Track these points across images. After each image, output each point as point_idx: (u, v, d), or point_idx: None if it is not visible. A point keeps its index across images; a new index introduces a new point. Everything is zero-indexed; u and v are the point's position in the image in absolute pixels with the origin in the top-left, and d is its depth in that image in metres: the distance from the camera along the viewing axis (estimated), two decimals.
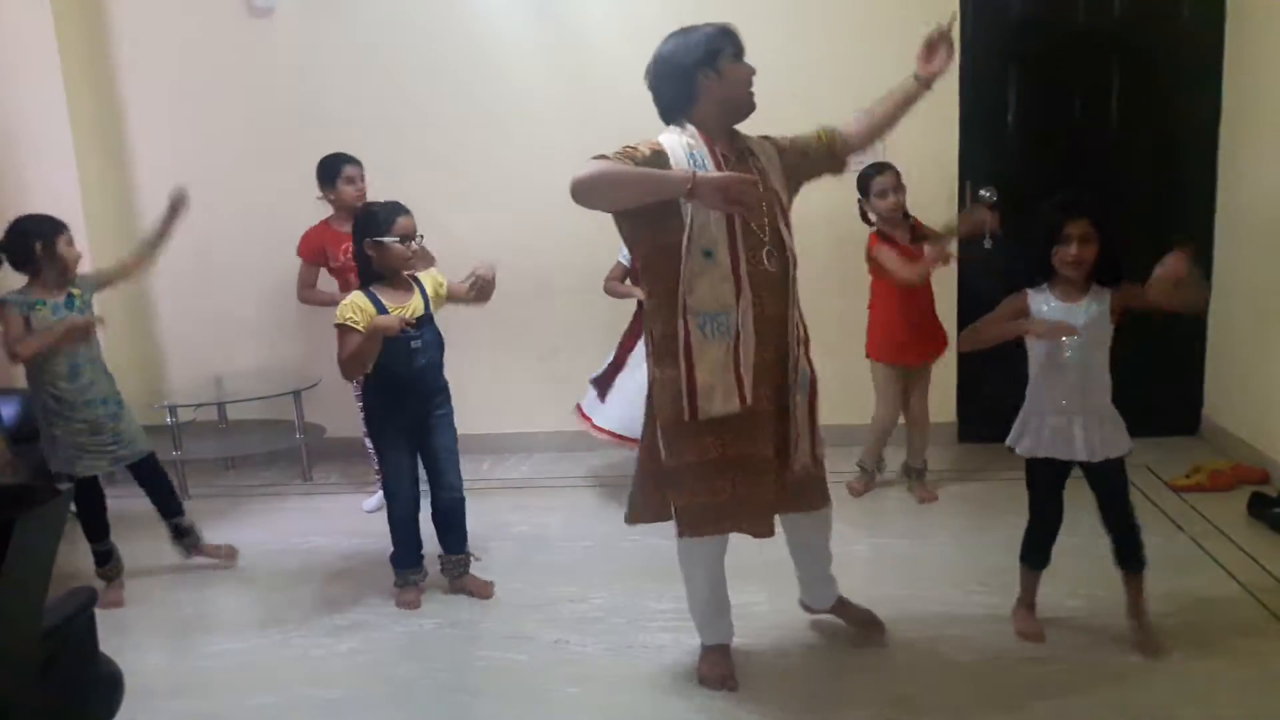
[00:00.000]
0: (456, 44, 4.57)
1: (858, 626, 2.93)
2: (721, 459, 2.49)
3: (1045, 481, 2.81)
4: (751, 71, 2.49)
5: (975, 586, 3.20)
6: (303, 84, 4.66)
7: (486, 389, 4.80)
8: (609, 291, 4.00)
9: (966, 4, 4.34)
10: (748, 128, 2.60)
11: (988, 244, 4.22)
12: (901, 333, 3.92)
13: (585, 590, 3.33)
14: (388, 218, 3.11)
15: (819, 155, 2.64)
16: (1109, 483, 2.77)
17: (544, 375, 4.78)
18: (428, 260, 3.39)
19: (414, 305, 3.14)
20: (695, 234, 2.38)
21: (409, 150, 4.62)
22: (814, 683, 2.74)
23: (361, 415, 3.35)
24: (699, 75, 2.44)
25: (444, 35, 4.56)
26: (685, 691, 2.70)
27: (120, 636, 3.09)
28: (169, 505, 3.58)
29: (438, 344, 3.22)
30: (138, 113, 4.79)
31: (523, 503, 4.26)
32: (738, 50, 2.48)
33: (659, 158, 2.41)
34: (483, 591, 3.34)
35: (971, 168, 4.44)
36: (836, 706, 2.61)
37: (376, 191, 3.93)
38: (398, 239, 3.09)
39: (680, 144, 2.44)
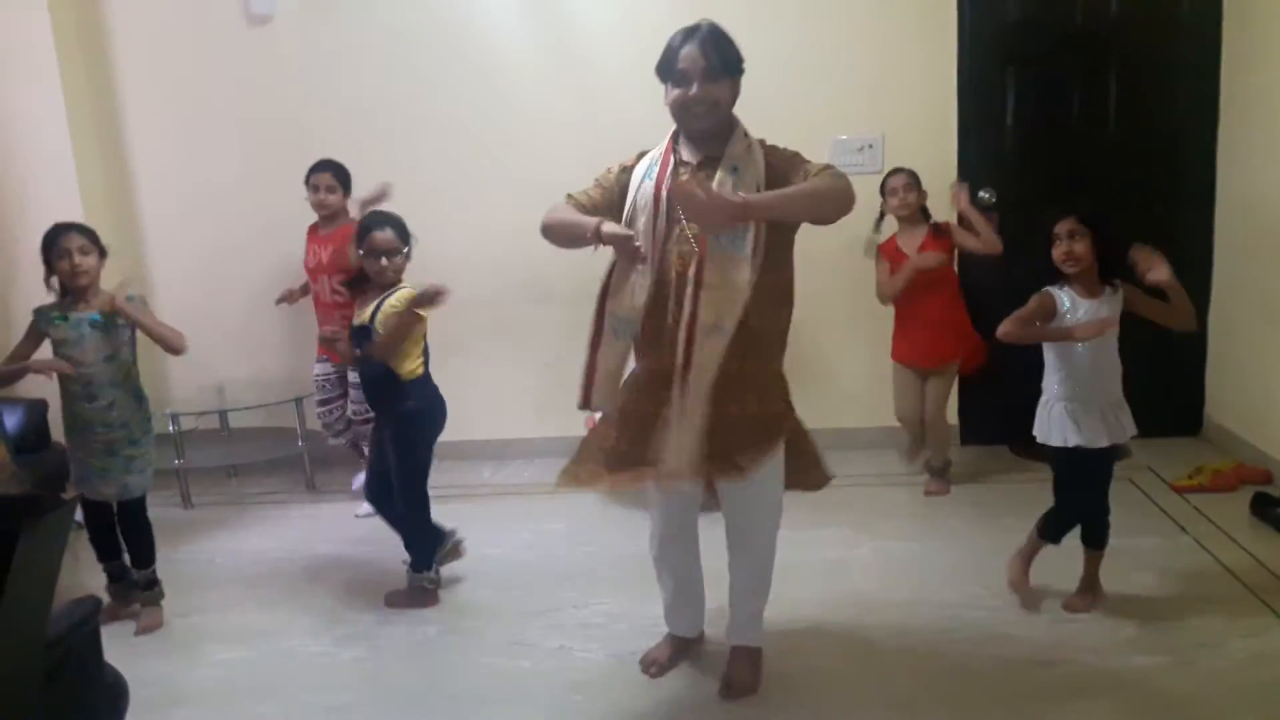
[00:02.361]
0: (455, 49, 4.57)
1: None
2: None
3: (1075, 465, 2.94)
4: (680, 95, 2.43)
5: (979, 589, 3.19)
6: (302, 90, 4.66)
7: (488, 395, 4.81)
8: None
9: (964, 6, 4.36)
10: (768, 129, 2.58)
11: None
12: (909, 333, 3.98)
13: (588, 596, 3.33)
14: (363, 231, 3.19)
15: None
16: (1108, 467, 2.94)
17: (546, 381, 4.78)
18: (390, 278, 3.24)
19: (363, 315, 3.19)
20: None
21: (409, 155, 4.63)
22: (818, 686, 2.73)
23: None
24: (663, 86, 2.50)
25: (443, 40, 4.57)
26: (689, 697, 2.70)
27: (124, 646, 3.09)
28: (140, 555, 3.37)
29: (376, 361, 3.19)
30: (137, 121, 4.80)
31: (525, 509, 4.26)
32: (668, 74, 2.44)
33: (624, 175, 2.55)
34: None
35: (970, 170, 4.44)
36: (841, 710, 2.61)
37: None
38: (372, 254, 3.15)
39: (653, 155, 2.53)
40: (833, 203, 2.36)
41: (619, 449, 2.53)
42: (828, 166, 2.43)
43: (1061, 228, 2.82)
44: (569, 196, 2.54)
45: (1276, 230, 3.94)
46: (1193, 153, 4.43)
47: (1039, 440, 2.97)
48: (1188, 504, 3.82)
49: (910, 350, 4.03)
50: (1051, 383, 2.93)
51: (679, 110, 2.46)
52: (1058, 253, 2.83)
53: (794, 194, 2.34)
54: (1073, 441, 2.88)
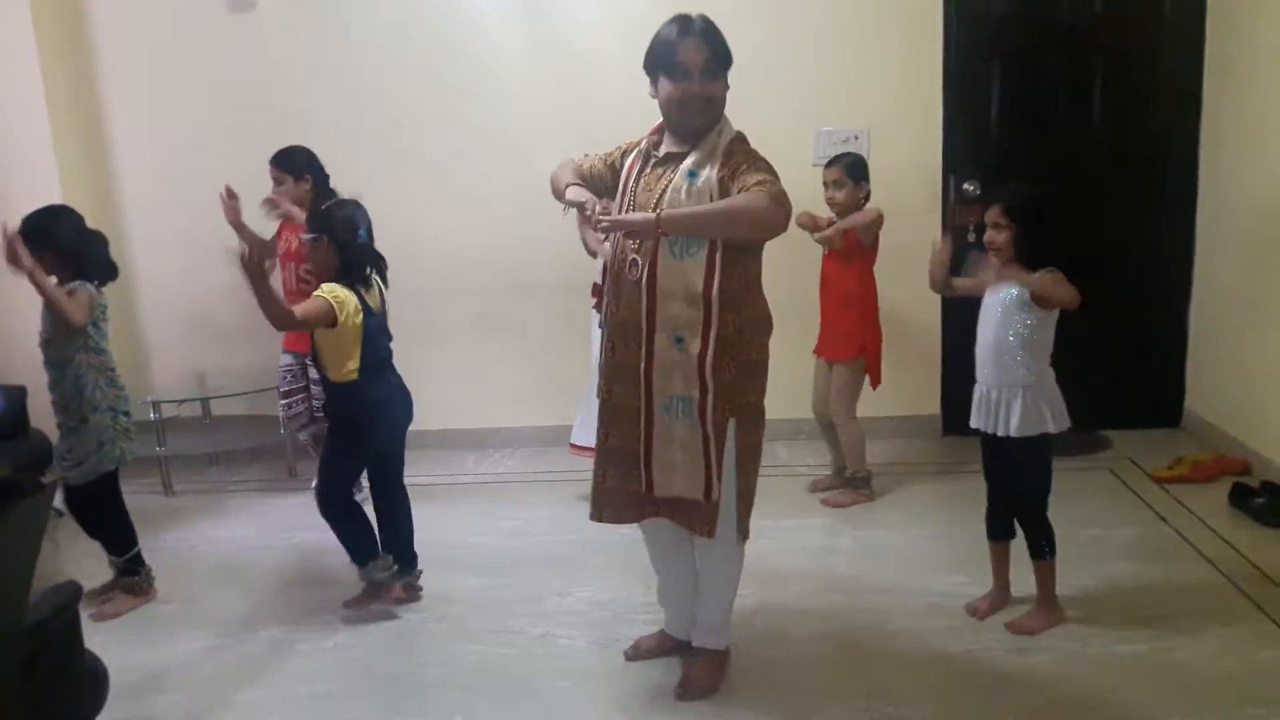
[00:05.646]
0: (440, 41, 4.55)
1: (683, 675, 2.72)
2: (603, 448, 2.60)
3: (982, 450, 3.01)
4: (678, 90, 2.33)
5: (960, 578, 3.21)
6: (284, 80, 4.63)
7: (472, 384, 4.80)
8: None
9: (950, 0, 4.37)
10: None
11: (971, 238, 4.22)
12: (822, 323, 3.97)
13: (571, 584, 3.34)
14: None
15: None
16: (1021, 465, 2.88)
17: (529, 371, 4.78)
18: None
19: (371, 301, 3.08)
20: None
21: (392, 147, 4.61)
22: (800, 674, 2.75)
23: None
24: (651, 80, 2.43)
25: (428, 32, 4.55)
26: (672, 685, 2.70)
27: (104, 632, 3.09)
28: (107, 543, 3.34)
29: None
30: (118, 110, 4.75)
31: (507, 497, 4.26)
32: (668, 67, 2.34)
33: (624, 158, 2.55)
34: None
35: (955, 163, 4.46)
36: (822, 698, 2.62)
37: (358, 190, 3.91)
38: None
39: (643, 144, 2.52)
40: (744, 223, 2.27)
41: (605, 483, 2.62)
42: (762, 181, 2.27)
43: (988, 215, 2.81)
44: (585, 155, 2.61)
45: (1257, 225, 3.97)
46: (1176, 148, 4.45)
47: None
48: (1168, 494, 3.85)
49: (819, 338, 3.99)
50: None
51: (677, 106, 2.35)
52: (986, 238, 2.82)
53: (707, 212, 2.28)
54: (973, 423, 2.96)
